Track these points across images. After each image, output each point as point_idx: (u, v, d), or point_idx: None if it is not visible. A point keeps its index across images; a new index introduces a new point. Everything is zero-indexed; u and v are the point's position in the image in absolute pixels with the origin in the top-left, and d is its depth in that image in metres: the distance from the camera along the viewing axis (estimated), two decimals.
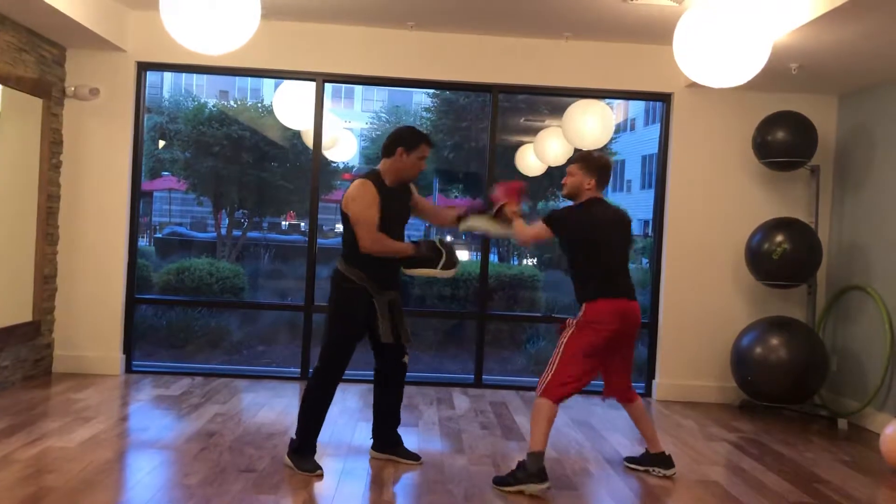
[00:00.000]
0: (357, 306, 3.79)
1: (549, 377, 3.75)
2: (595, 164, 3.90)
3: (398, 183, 3.87)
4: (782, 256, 5.47)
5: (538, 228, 3.93)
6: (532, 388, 6.08)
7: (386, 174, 3.84)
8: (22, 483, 3.41)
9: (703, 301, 5.99)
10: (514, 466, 3.95)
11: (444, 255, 3.79)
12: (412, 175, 3.90)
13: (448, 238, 4.10)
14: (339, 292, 3.83)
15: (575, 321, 3.82)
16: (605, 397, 4.17)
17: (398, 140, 3.84)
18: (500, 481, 3.73)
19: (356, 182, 3.80)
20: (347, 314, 3.82)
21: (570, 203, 3.98)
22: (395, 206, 3.87)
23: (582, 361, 3.77)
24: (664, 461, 4.10)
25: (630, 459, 4.26)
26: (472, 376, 6.18)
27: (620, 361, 4.02)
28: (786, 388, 5.38)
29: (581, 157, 3.97)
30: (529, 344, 8.28)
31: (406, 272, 3.88)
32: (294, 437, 3.86)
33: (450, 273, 3.85)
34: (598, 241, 3.85)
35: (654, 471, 4.10)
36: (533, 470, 3.65)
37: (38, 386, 5.33)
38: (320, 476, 3.72)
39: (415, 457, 4.06)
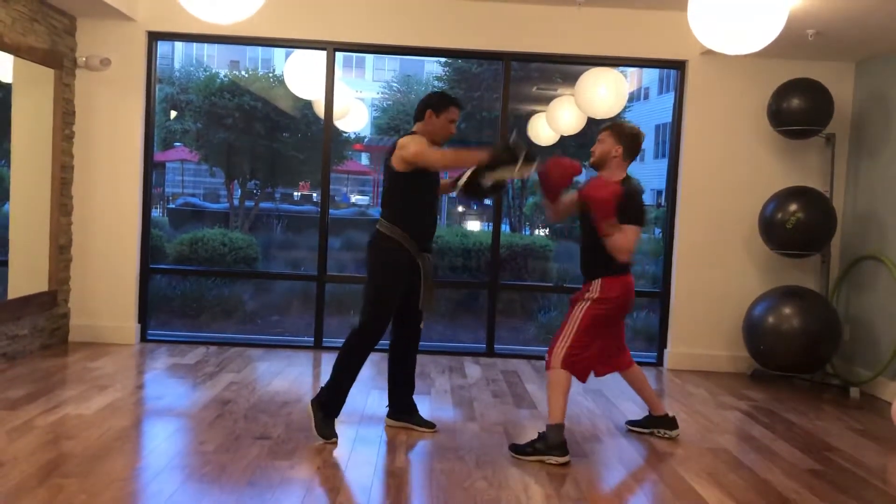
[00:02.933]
0: (401, 265, 3.81)
1: (565, 349, 3.74)
2: (625, 131, 3.84)
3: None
4: (796, 225, 5.43)
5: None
6: (543, 358, 6.12)
7: (422, 136, 3.87)
8: (42, 449, 3.48)
9: (715, 270, 5.98)
10: (526, 434, 4.01)
11: (520, 155, 3.58)
12: (443, 138, 3.90)
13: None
14: (381, 252, 3.83)
15: (591, 295, 3.80)
16: (601, 374, 4.06)
17: (427, 103, 3.90)
18: (518, 450, 3.75)
19: (405, 137, 3.82)
20: (392, 273, 3.82)
21: (600, 178, 3.88)
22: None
23: (596, 333, 3.80)
24: (668, 422, 4.15)
25: (632, 423, 4.30)
26: (484, 345, 6.21)
27: (617, 332, 4.03)
28: (798, 357, 5.38)
29: (612, 125, 3.90)
30: (541, 314, 8.30)
31: (482, 181, 3.67)
32: (324, 388, 3.86)
33: (530, 169, 3.62)
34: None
35: (658, 432, 4.15)
36: (554, 443, 3.68)
37: (56, 355, 5.40)
38: (335, 444, 3.77)
39: (430, 424, 4.10)
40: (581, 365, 3.79)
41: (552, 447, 3.67)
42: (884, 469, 3.91)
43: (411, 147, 3.73)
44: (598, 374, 4.06)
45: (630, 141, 3.84)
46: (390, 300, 3.85)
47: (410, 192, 3.81)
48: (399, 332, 4.07)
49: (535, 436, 3.79)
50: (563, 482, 3.43)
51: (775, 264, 5.92)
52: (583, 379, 3.84)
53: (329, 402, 3.85)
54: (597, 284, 3.80)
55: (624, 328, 4.11)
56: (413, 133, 3.89)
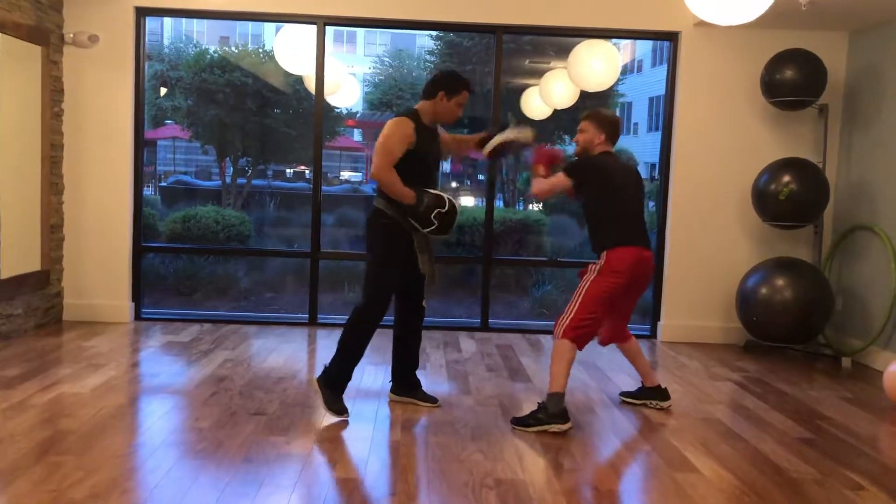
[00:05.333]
0: (398, 241, 3.82)
1: (568, 319, 3.81)
2: (605, 119, 4.00)
3: (433, 125, 3.91)
4: (789, 197, 5.44)
5: (556, 178, 3.96)
6: (537, 332, 6.18)
7: (424, 115, 3.85)
8: (39, 427, 3.48)
9: (709, 242, 5.99)
10: (521, 407, 4.04)
11: (434, 225, 3.76)
12: (448, 120, 3.91)
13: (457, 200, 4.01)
14: (379, 229, 3.84)
15: (596, 268, 3.87)
16: (604, 344, 4.26)
17: (440, 83, 3.85)
18: (519, 422, 3.79)
19: (395, 118, 3.80)
20: (390, 249, 3.83)
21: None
22: (434, 148, 3.92)
23: (600, 305, 3.84)
24: (660, 394, 4.21)
25: (625, 394, 4.36)
26: (479, 320, 6.23)
27: (627, 307, 4.11)
28: (790, 328, 5.41)
29: (591, 114, 4.05)
30: (535, 288, 8.32)
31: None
32: (329, 366, 3.86)
33: (435, 237, 3.86)
34: (615, 188, 3.93)
35: (650, 403, 4.21)
36: (555, 411, 3.73)
37: (50, 334, 5.40)
38: (346, 420, 3.77)
39: (432, 399, 4.11)
40: (585, 336, 3.85)
41: (553, 416, 3.73)
42: (875, 437, 3.95)
43: (381, 136, 3.74)
44: (602, 343, 4.23)
45: (611, 127, 4.01)
46: (391, 276, 3.85)
47: (401, 170, 3.75)
48: (402, 309, 4.08)
49: (535, 407, 3.83)
50: (557, 453, 3.46)
51: (768, 235, 5.94)
52: (580, 347, 3.87)
53: (335, 380, 3.86)
54: (603, 256, 3.87)
55: (634, 305, 4.17)
56: (408, 112, 3.84)
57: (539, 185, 4.03)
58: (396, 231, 3.82)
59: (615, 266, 3.83)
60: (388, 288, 3.86)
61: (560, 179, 3.95)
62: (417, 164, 3.77)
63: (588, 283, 3.86)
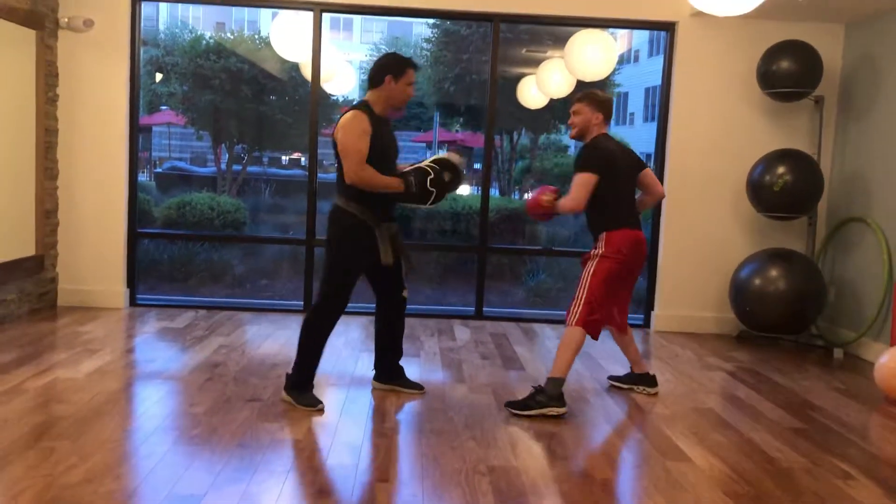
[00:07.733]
0: (360, 239, 3.76)
1: (580, 306, 3.84)
2: (600, 100, 3.98)
3: (387, 112, 3.84)
4: (783, 188, 5.45)
5: (583, 181, 3.83)
6: (531, 320, 6.20)
7: (375, 104, 3.78)
8: (33, 411, 3.49)
9: (703, 233, 6.01)
10: (514, 395, 4.06)
11: (433, 193, 3.73)
12: (401, 102, 3.84)
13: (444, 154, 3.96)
14: (341, 227, 3.78)
15: (598, 251, 3.91)
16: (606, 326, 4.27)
17: (384, 68, 3.77)
18: (517, 406, 3.82)
19: (348, 113, 3.72)
20: (351, 248, 3.77)
21: (581, 144, 4.04)
22: (389, 137, 3.85)
23: (606, 289, 3.89)
24: (648, 380, 4.28)
25: (614, 378, 4.42)
26: (473, 308, 6.24)
27: (624, 293, 4.14)
28: (783, 318, 5.43)
29: (584, 96, 4.00)
30: (530, 277, 8.34)
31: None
32: (290, 372, 3.85)
33: (448, 194, 3.85)
34: (619, 172, 3.94)
35: (638, 388, 4.27)
36: (554, 394, 3.78)
37: (44, 319, 5.39)
38: (321, 411, 3.72)
39: (418, 386, 4.12)
40: (597, 323, 3.88)
41: (552, 398, 3.78)
42: (865, 427, 3.98)
43: (342, 137, 3.64)
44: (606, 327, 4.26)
45: (606, 107, 4.00)
46: (349, 275, 3.79)
47: None
48: (381, 302, 4.05)
49: (530, 392, 3.87)
50: (550, 440, 3.48)
51: (762, 227, 5.95)
52: (595, 336, 3.91)
53: (299, 382, 3.81)
54: (602, 239, 3.91)
55: (632, 289, 4.21)
56: (360, 106, 3.74)
57: (570, 201, 3.87)
58: (360, 229, 3.74)
59: (616, 247, 3.88)
60: (346, 287, 3.78)
61: (587, 179, 3.82)
62: (377, 158, 3.67)
63: (592, 267, 3.89)
